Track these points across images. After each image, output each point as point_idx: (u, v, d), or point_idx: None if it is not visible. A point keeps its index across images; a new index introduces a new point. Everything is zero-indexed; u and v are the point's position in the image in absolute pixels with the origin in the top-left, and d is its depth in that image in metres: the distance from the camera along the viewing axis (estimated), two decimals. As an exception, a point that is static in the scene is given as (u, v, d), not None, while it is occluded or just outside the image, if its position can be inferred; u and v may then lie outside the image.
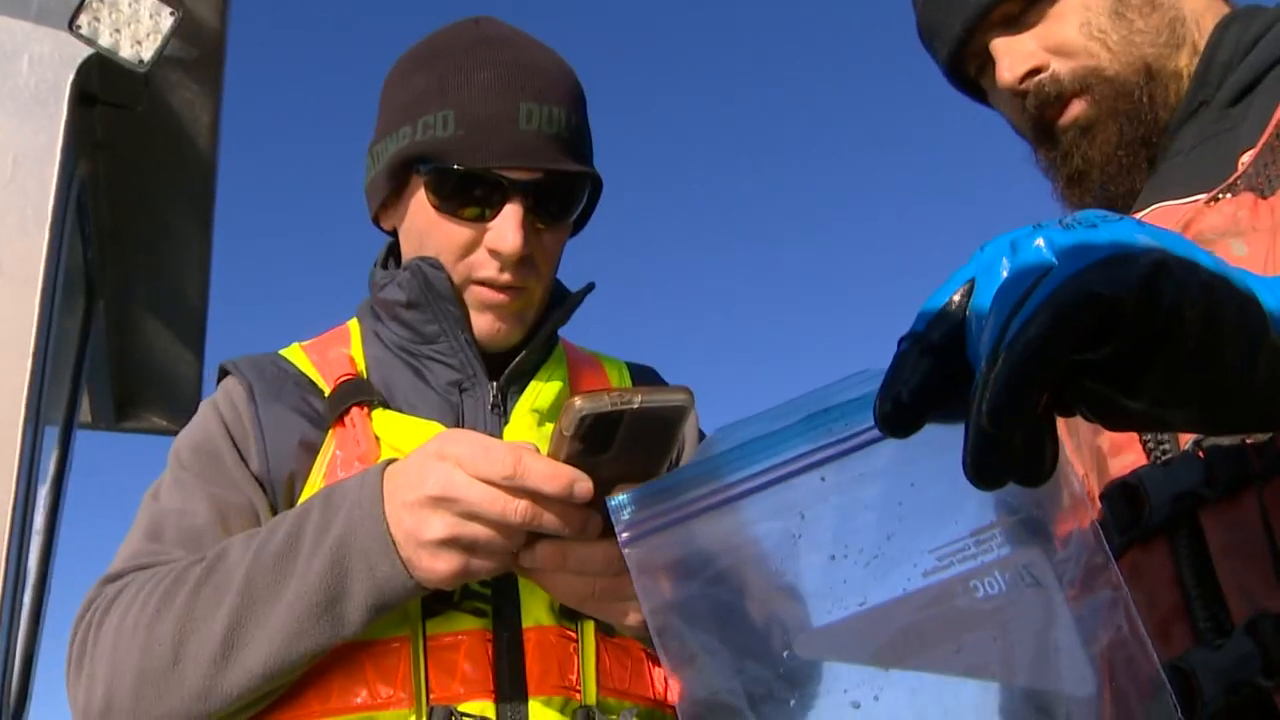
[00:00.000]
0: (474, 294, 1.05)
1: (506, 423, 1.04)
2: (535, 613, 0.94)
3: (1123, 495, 0.85)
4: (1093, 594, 0.58)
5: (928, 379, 0.52)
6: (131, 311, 2.36)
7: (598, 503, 0.77)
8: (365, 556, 0.83)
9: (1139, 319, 0.48)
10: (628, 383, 1.17)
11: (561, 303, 1.12)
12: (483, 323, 1.06)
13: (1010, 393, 0.47)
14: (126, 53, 1.86)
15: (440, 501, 0.80)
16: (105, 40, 1.86)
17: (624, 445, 0.75)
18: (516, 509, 0.78)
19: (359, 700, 0.89)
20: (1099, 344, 0.48)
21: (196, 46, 1.97)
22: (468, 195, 1.02)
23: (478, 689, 0.90)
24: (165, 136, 2.08)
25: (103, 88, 1.94)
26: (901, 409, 0.52)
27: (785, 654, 0.57)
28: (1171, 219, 0.88)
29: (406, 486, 0.82)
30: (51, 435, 2.31)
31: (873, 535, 0.58)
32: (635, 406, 0.73)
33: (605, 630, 0.95)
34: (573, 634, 0.95)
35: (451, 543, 0.80)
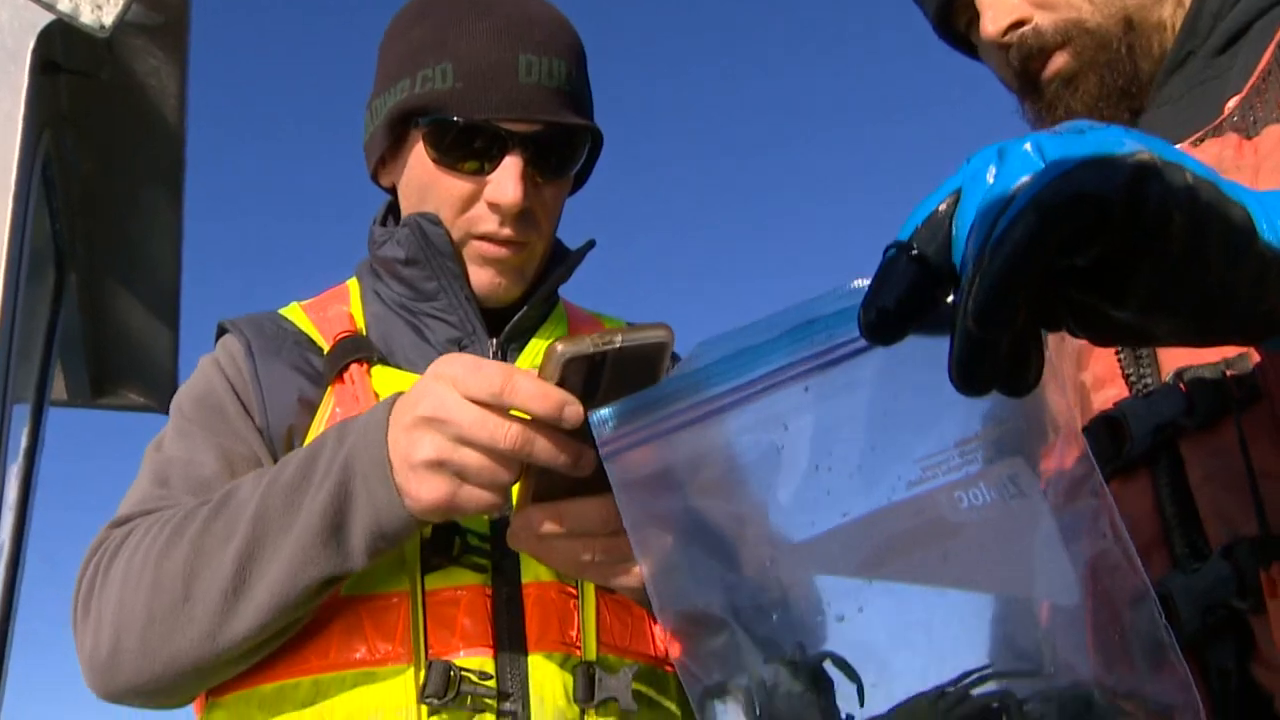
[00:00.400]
0: (474, 249, 1.04)
1: None
2: (535, 568, 0.93)
3: (1105, 428, 0.85)
4: (1077, 504, 0.58)
5: (913, 287, 0.52)
6: (104, 285, 2.32)
7: (589, 443, 0.76)
8: (366, 483, 0.82)
9: (1126, 218, 0.47)
10: None
11: (562, 260, 1.11)
12: (482, 278, 1.05)
13: (997, 294, 0.47)
14: (87, 18, 1.82)
15: (431, 422, 0.78)
16: (65, 5, 1.82)
17: (610, 387, 0.74)
18: (507, 433, 0.76)
19: (358, 655, 0.89)
20: (1085, 246, 0.48)
21: (160, 12, 1.93)
22: (467, 148, 1.01)
23: (477, 644, 0.90)
24: (131, 106, 2.04)
25: (65, 55, 1.90)
26: (886, 317, 0.52)
27: (768, 565, 0.57)
28: None
29: (405, 409, 0.81)
30: (23, 413, 2.28)
31: (857, 446, 0.57)
32: (617, 346, 0.72)
33: (605, 586, 0.93)
34: (573, 590, 0.95)
35: (440, 466, 0.78)
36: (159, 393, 2.48)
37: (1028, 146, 0.50)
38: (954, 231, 0.52)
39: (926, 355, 0.53)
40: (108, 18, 1.83)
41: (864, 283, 0.54)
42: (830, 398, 0.57)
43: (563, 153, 1.04)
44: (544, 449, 0.76)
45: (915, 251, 0.52)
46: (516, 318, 1.06)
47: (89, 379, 2.45)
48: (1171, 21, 0.97)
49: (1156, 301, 0.50)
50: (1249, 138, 0.83)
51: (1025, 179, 0.49)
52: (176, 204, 2.19)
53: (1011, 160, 0.51)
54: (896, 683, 0.56)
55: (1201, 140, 0.86)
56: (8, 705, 2.13)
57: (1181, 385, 0.80)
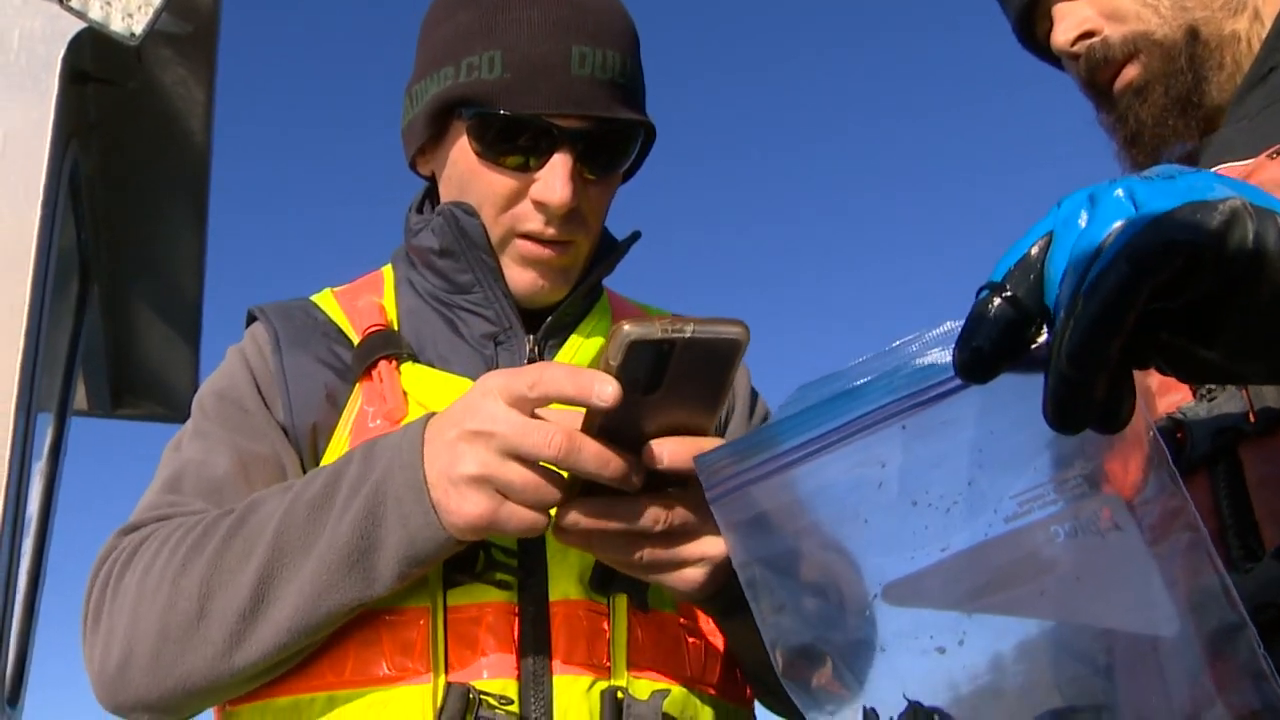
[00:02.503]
0: (516, 248, 0.99)
1: None
2: (563, 585, 0.89)
3: (1168, 430, 0.87)
4: (1171, 536, 0.58)
5: (1007, 327, 0.53)
6: (127, 295, 2.32)
7: (641, 450, 0.74)
8: (399, 505, 0.79)
9: (1216, 266, 0.48)
10: None
11: (608, 252, 1.06)
12: (524, 279, 1.00)
13: (1091, 338, 0.48)
14: (117, 26, 1.83)
15: (477, 435, 0.76)
16: (96, 13, 1.83)
17: (673, 382, 0.70)
18: (552, 441, 0.73)
19: (375, 673, 0.85)
20: (1177, 292, 0.49)
21: (189, 21, 1.93)
22: (513, 143, 0.96)
23: (500, 665, 0.86)
24: (159, 115, 2.05)
25: (95, 64, 1.90)
26: (980, 356, 0.53)
27: (872, 600, 0.57)
28: (1234, 174, 0.90)
29: (448, 425, 0.79)
30: (46, 422, 2.28)
31: (954, 482, 0.58)
32: (687, 336, 0.67)
33: (639, 605, 0.90)
34: (604, 609, 0.90)
35: (483, 482, 0.76)
36: (179, 404, 2.48)
37: (1119, 193, 0.52)
38: (1047, 275, 0.53)
39: (1020, 393, 0.54)
40: (138, 26, 1.84)
41: (956, 325, 0.55)
42: (926, 436, 0.57)
43: (615, 149, 0.99)
44: (590, 458, 0.73)
45: (1009, 293, 0.53)
46: (554, 314, 1.01)
47: (110, 389, 2.45)
48: (1248, 35, 0.98)
49: (1245, 345, 0.51)
50: None
51: (1117, 224, 0.50)
52: (200, 215, 2.19)
53: (1103, 206, 0.52)
54: (991, 715, 0.56)
55: (1276, 154, 0.87)
56: (30, 709, 2.13)
57: (1244, 392, 0.82)
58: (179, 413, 2.50)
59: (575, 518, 0.77)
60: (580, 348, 1.03)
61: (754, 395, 1.13)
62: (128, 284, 2.29)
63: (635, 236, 1.08)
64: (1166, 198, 0.50)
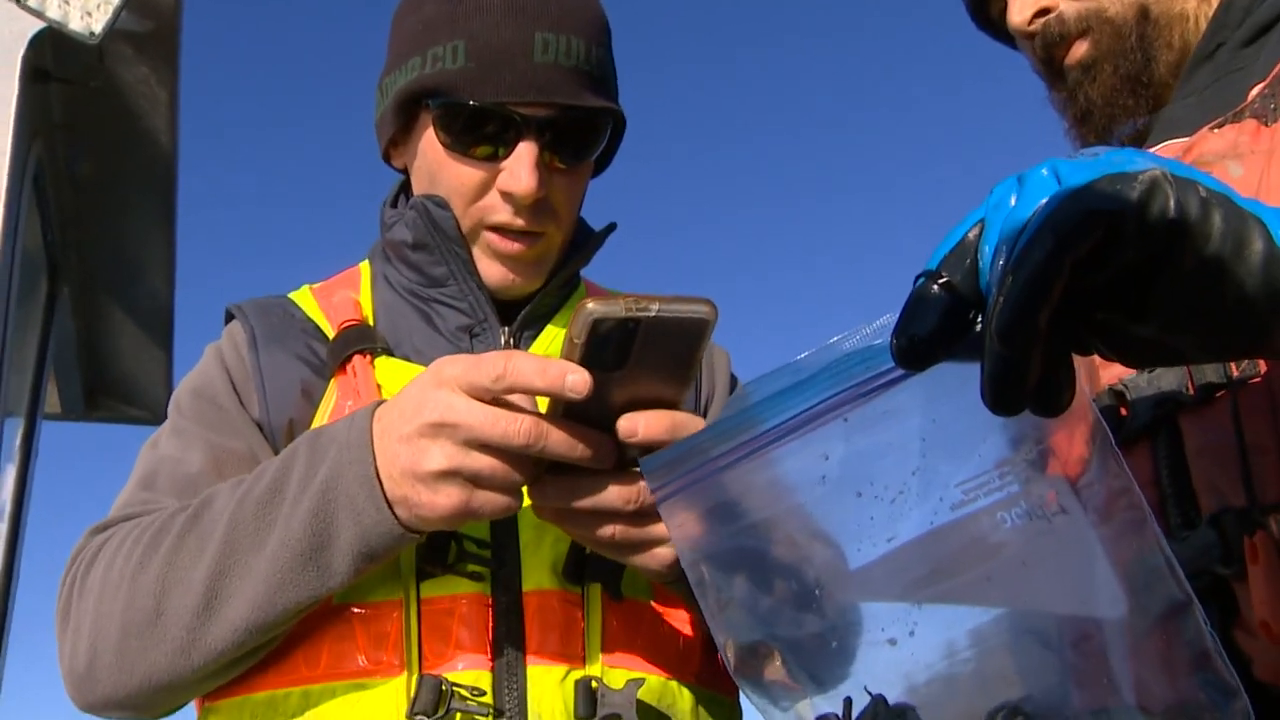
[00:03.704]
0: (486, 241, 0.99)
1: None
2: (536, 575, 0.89)
3: (1111, 405, 0.88)
4: (1116, 517, 0.59)
5: (943, 313, 0.53)
6: (97, 296, 2.30)
7: (610, 427, 0.73)
8: (351, 502, 0.79)
9: (1139, 234, 0.49)
10: None
11: (584, 244, 1.05)
12: (495, 272, 0.99)
13: (1018, 312, 0.48)
14: (76, 25, 1.81)
15: (439, 428, 0.75)
16: (54, 12, 1.81)
17: (640, 360, 0.69)
18: (520, 429, 0.72)
19: (349, 666, 0.85)
20: (1102, 263, 0.49)
21: (150, 19, 1.91)
22: (479, 132, 0.95)
23: (474, 656, 0.85)
24: (123, 114, 2.03)
25: (55, 63, 1.88)
26: (917, 343, 0.53)
27: (818, 595, 0.57)
28: (1177, 148, 0.91)
29: (402, 419, 0.77)
30: (15, 425, 2.26)
31: (899, 472, 0.58)
32: (652, 314, 0.67)
33: (613, 594, 0.90)
34: (577, 598, 0.89)
35: (452, 475, 0.75)
36: (153, 406, 2.46)
37: (1044, 171, 0.53)
38: (980, 258, 0.53)
39: (962, 380, 0.54)
40: (97, 25, 1.82)
41: (895, 317, 0.55)
42: (869, 427, 0.58)
43: (582, 137, 0.98)
44: (559, 442, 0.73)
45: (944, 279, 0.54)
46: (529, 307, 1.00)
47: (82, 392, 2.43)
48: (1197, 13, 0.99)
49: (1177, 316, 0.51)
50: (1267, 124, 0.84)
51: (1043, 202, 0.51)
52: (169, 213, 2.17)
53: (1030, 185, 0.53)
54: (949, 707, 0.57)
55: (1221, 125, 0.88)
56: (4, 710, 2.12)
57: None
58: (152, 415, 2.48)
59: (547, 496, 0.77)
60: (556, 339, 1.02)
61: (734, 381, 1.13)
62: (97, 285, 2.28)
63: (611, 228, 1.08)
64: (1088, 172, 0.51)
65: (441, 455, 0.75)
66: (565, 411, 0.73)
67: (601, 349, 0.69)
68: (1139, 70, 0.99)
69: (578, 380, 0.69)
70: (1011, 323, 0.48)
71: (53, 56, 1.86)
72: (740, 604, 0.58)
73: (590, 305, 0.67)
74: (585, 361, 0.69)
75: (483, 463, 0.74)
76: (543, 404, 0.77)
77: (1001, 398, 0.50)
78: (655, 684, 0.89)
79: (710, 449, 0.60)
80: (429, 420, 0.75)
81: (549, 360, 0.71)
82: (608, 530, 0.78)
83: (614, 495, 0.76)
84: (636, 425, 0.74)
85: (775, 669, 0.56)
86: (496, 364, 0.73)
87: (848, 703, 0.57)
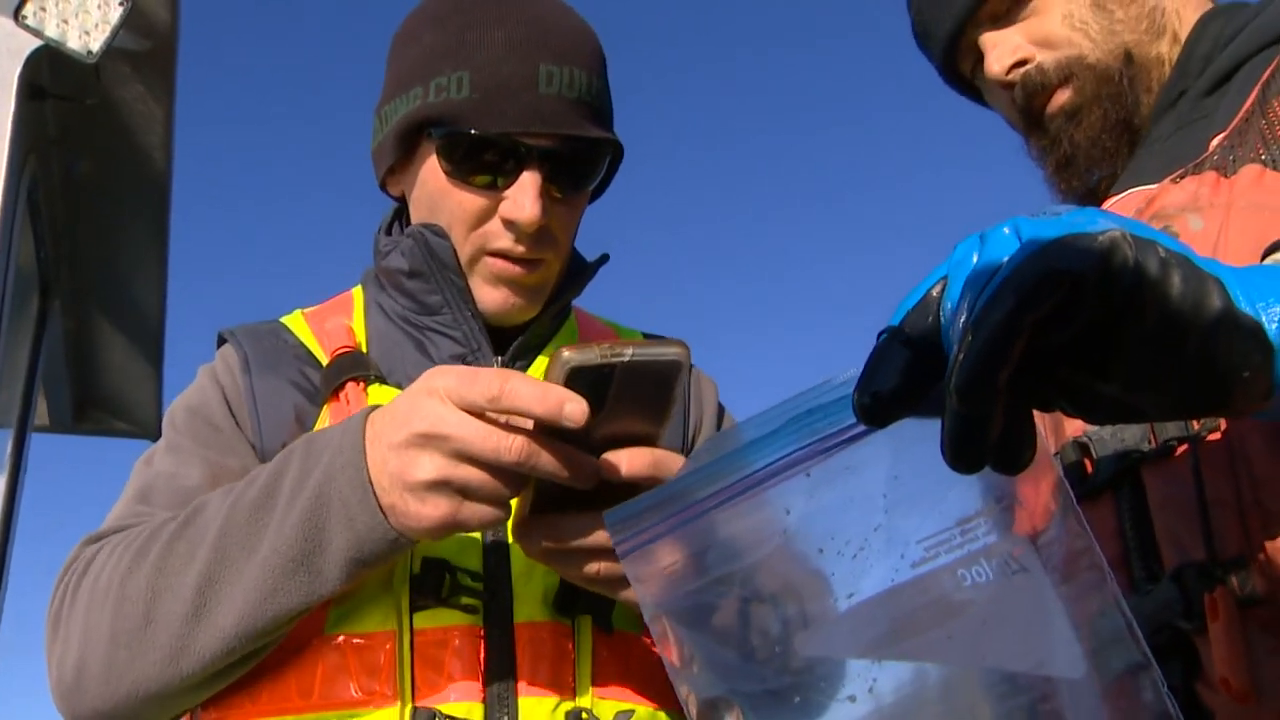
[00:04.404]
0: (487, 266, 0.99)
1: None
2: (528, 607, 0.89)
3: (1075, 453, 0.89)
4: (1077, 577, 0.59)
5: (905, 370, 0.53)
6: (88, 311, 2.31)
7: (595, 454, 0.74)
8: (344, 507, 0.79)
9: (1099, 295, 0.49)
10: None
11: (579, 271, 1.07)
12: (495, 297, 1.00)
13: (977, 372, 0.48)
14: (74, 43, 1.82)
15: (429, 439, 0.75)
16: (52, 31, 1.82)
17: (616, 403, 0.71)
18: (511, 446, 0.73)
19: (343, 697, 0.85)
20: (1064, 323, 0.50)
21: (147, 39, 1.92)
22: (482, 162, 0.97)
23: (466, 688, 0.86)
24: (118, 131, 2.04)
25: (52, 80, 1.89)
26: (879, 400, 0.53)
27: (779, 651, 0.57)
28: (1139, 198, 0.92)
29: (393, 426, 0.77)
30: (5, 437, 2.26)
31: (860, 528, 0.58)
32: (626, 359, 0.68)
33: (603, 626, 0.91)
34: (568, 630, 0.90)
35: (442, 485, 0.75)
36: (142, 419, 2.46)
37: (1006, 230, 0.53)
38: (943, 314, 0.54)
39: (924, 437, 0.54)
40: (95, 44, 1.83)
41: (859, 370, 0.55)
42: (831, 482, 0.58)
43: (583, 167, 1.00)
44: (549, 461, 0.73)
45: (906, 335, 0.54)
46: (523, 336, 1.01)
47: (72, 405, 2.44)
48: (1169, 57, 1.00)
49: (1138, 376, 0.52)
50: (1226, 176, 0.85)
51: (1005, 260, 0.51)
52: (161, 230, 2.18)
53: (991, 243, 0.53)
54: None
55: (1182, 177, 0.88)
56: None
57: None
58: (142, 428, 2.49)
59: (532, 537, 0.78)
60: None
61: (721, 411, 1.13)
62: (89, 300, 2.28)
63: (603, 259, 1.09)
64: (1050, 231, 0.51)
65: (430, 465, 0.75)
66: (548, 436, 0.74)
67: (579, 392, 0.69)
68: (1129, 113, 0.99)
69: (575, 409, 0.70)
70: (970, 382, 0.48)
71: (49, 74, 1.87)
72: (701, 658, 0.58)
73: (566, 354, 0.68)
74: None
75: (471, 474, 0.75)
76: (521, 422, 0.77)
77: (961, 455, 0.50)
78: (645, 715, 0.90)
79: (673, 503, 0.60)
80: (419, 430, 0.75)
81: (548, 386, 0.71)
82: (594, 567, 0.79)
83: (598, 533, 0.76)
84: (620, 461, 0.76)
85: (735, 727, 0.56)
86: (492, 384, 0.73)
87: None
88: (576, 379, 0.69)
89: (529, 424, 0.75)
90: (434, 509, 0.76)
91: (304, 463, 0.82)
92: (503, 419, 0.75)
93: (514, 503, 0.79)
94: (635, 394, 0.71)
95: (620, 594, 0.82)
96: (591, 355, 0.68)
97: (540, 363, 1.03)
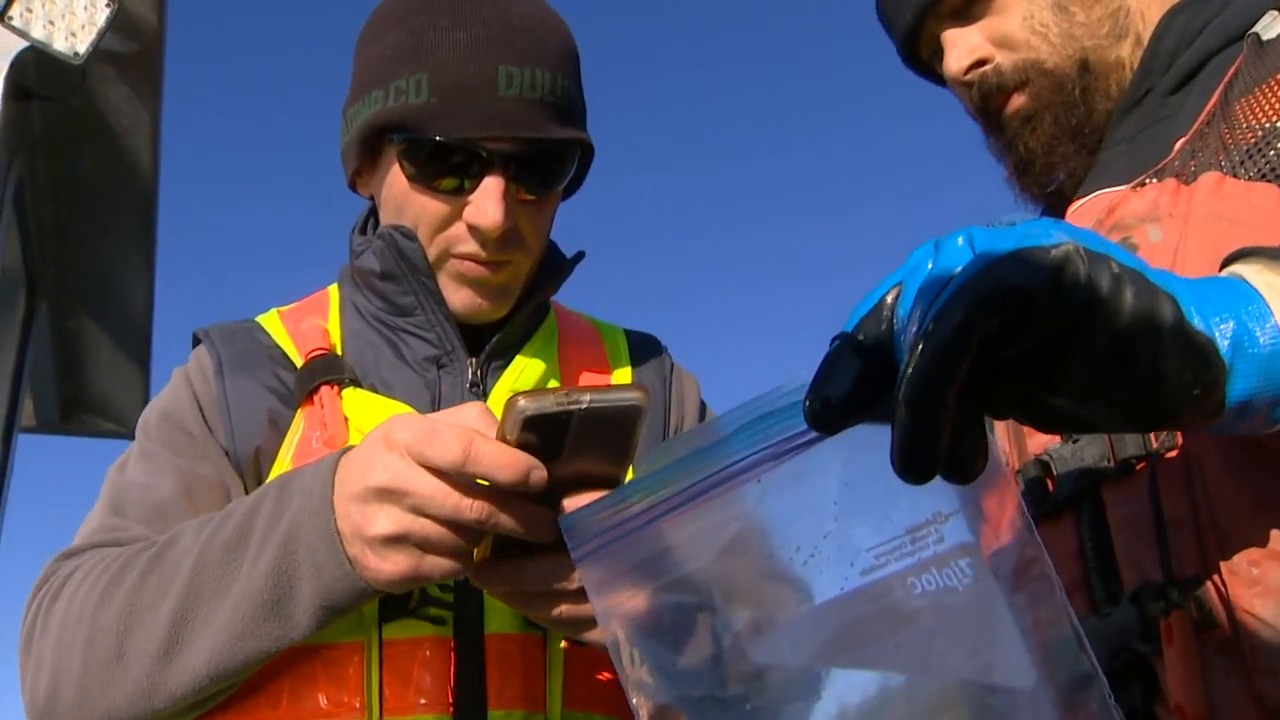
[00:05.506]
0: (453, 267, 0.99)
1: (486, 402, 0.96)
2: (498, 619, 0.89)
3: (1036, 470, 0.88)
4: (1027, 586, 0.59)
5: (857, 378, 0.53)
6: (75, 312, 2.31)
7: (550, 503, 0.73)
8: (312, 554, 0.78)
9: (1051, 309, 0.49)
10: (623, 355, 1.12)
11: (556, 268, 1.05)
12: (462, 298, 0.99)
13: (925, 384, 0.48)
14: (60, 45, 1.82)
15: (387, 494, 0.74)
16: (38, 32, 1.82)
17: (575, 448, 0.70)
18: (471, 508, 0.72)
19: (311, 708, 0.85)
20: (1014, 337, 0.49)
21: (134, 40, 1.93)
22: (444, 166, 0.95)
23: (435, 700, 0.86)
24: (105, 133, 2.04)
25: (38, 81, 1.90)
26: (830, 407, 0.53)
27: (729, 659, 0.57)
28: (1102, 204, 0.90)
29: (354, 477, 0.76)
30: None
31: (810, 536, 0.58)
32: (583, 408, 0.67)
33: (574, 639, 0.89)
34: (538, 641, 0.90)
35: (400, 540, 0.74)
36: (129, 421, 2.47)
37: (960, 240, 0.53)
38: (896, 322, 0.53)
39: (876, 444, 0.54)
40: (81, 45, 1.83)
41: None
42: (782, 489, 0.57)
43: (549, 167, 0.98)
44: (508, 520, 0.73)
45: (859, 342, 0.54)
46: (497, 336, 1.00)
47: (59, 406, 2.43)
48: (1130, 60, 0.98)
49: (1090, 389, 0.52)
50: (1187, 183, 0.84)
51: (957, 270, 0.51)
52: (149, 231, 2.18)
53: (945, 253, 0.53)
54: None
55: (1142, 184, 0.88)
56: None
57: (1106, 434, 0.82)
58: (128, 429, 2.49)
59: (492, 583, 0.78)
60: (524, 369, 1.03)
61: (703, 408, 1.13)
62: (76, 300, 2.28)
63: (579, 256, 1.08)
64: (1002, 243, 0.51)
65: (388, 521, 0.74)
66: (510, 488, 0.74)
67: (534, 441, 0.69)
68: (1081, 122, 0.98)
69: (539, 478, 0.70)
70: (919, 394, 0.48)
71: (35, 75, 1.87)
72: (652, 665, 0.58)
73: (521, 402, 0.67)
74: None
75: (430, 529, 0.73)
76: None
77: (910, 465, 0.50)
78: None
79: (625, 509, 0.60)
80: (378, 484, 0.74)
81: (512, 453, 0.70)
82: (556, 609, 0.78)
83: (558, 577, 0.75)
84: (579, 506, 0.73)
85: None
86: (453, 446, 0.71)
87: None
88: (531, 426, 0.68)
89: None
90: (393, 565, 0.75)
91: (276, 505, 0.81)
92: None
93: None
94: (594, 438, 0.70)
95: (585, 636, 0.80)
96: (547, 403, 0.67)
97: (518, 363, 1.03)
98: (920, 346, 0.48)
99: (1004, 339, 0.49)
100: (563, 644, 0.90)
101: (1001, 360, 0.50)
